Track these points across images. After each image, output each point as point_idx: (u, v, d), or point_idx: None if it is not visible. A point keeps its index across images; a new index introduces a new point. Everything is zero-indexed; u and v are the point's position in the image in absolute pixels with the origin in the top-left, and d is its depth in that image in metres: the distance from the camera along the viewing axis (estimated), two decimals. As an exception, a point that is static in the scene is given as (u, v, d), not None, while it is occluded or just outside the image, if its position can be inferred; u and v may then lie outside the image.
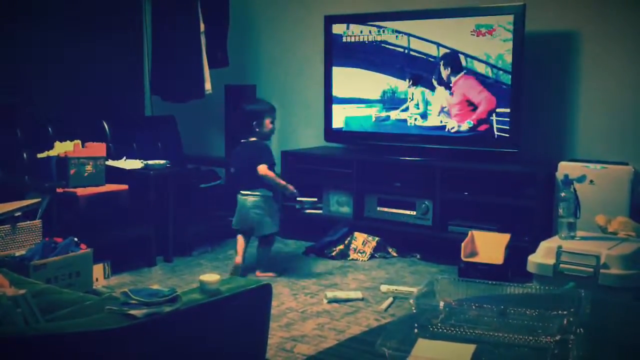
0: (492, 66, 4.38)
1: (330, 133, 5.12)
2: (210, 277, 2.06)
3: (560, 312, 1.90)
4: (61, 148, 4.13)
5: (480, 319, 1.94)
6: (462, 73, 4.50)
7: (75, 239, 3.61)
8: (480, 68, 4.43)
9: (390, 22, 4.75)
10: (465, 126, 4.53)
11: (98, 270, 3.90)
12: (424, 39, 4.63)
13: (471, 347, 1.77)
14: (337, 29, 4.98)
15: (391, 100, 4.82)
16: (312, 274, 4.22)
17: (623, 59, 4.28)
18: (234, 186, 4.30)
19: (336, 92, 5.04)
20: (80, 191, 4.03)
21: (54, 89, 4.74)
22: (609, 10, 4.30)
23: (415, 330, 1.88)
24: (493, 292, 2.13)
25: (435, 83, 4.62)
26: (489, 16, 4.36)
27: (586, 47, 4.39)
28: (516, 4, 4.25)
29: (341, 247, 4.60)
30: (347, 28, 4.94)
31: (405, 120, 4.77)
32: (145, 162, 4.46)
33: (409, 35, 4.69)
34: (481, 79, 4.43)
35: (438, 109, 4.64)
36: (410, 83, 4.72)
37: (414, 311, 1.98)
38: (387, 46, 4.79)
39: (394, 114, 4.82)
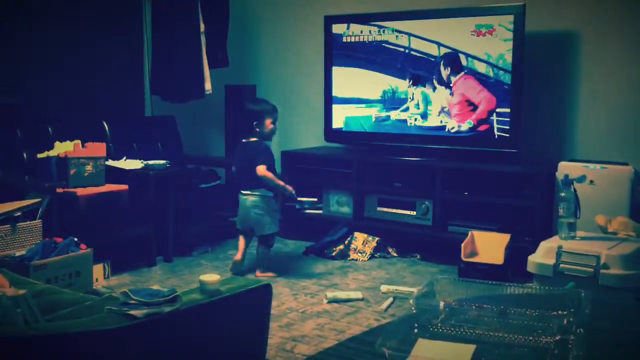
0: (493, 65, 4.38)
1: (330, 133, 5.12)
2: (210, 277, 2.06)
3: (560, 312, 1.91)
4: (61, 148, 4.13)
5: (480, 319, 1.94)
6: (462, 73, 4.50)
7: (75, 239, 3.61)
8: (481, 68, 4.43)
9: (390, 22, 4.75)
10: (465, 126, 4.53)
11: (98, 270, 3.90)
12: (425, 38, 4.63)
13: (471, 347, 1.77)
14: (337, 28, 4.98)
15: (392, 100, 4.82)
16: (312, 274, 4.22)
17: (623, 59, 4.28)
18: (236, 185, 4.31)
19: (336, 92, 5.04)
20: (80, 191, 4.03)
21: (54, 89, 4.74)
22: (609, 10, 4.30)
23: (415, 331, 1.88)
24: (493, 292, 2.14)
25: (435, 83, 4.62)
26: (489, 16, 4.36)
27: (586, 47, 4.39)
28: (516, 4, 4.25)
29: (341, 247, 4.60)
30: (348, 28, 4.94)
31: (405, 121, 4.77)
32: (145, 162, 4.46)
33: (410, 34, 4.69)
34: (482, 78, 4.43)
35: (438, 109, 4.64)
36: (411, 83, 4.72)
37: (414, 311, 1.98)
38: (388, 46, 4.78)
39: (394, 114, 4.82)
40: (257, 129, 4.16)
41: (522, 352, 1.77)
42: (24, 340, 1.67)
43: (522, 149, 4.38)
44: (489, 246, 4.03)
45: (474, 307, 1.99)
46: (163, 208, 4.40)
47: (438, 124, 4.64)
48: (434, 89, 4.62)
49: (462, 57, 4.48)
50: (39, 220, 3.65)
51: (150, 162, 4.46)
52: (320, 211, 5.04)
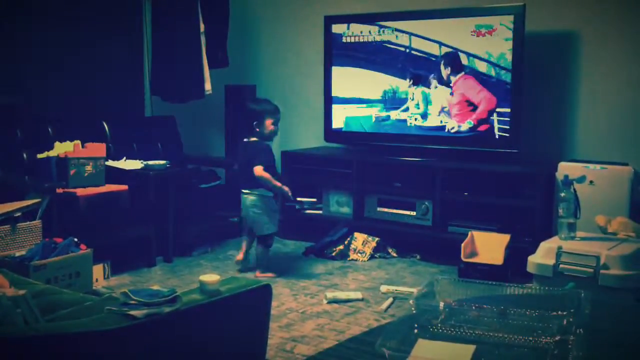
0: (494, 64, 4.37)
1: (330, 133, 5.12)
2: (210, 278, 2.06)
3: (560, 312, 1.91)
4: (61, 148, 4.13)
5: (480, 319, 1.94)
6: (462, 73, 4.50)
7: (75, 239, 3.61)
8: (482, 67, 4.42)
9: (389, 23, 4.75)
10: (465, 126, 4.53)
11: (98, 270, 3.90)
12: (426, 37, 4.63)
13: (471, 348, 1.77)
14: (337, 28, 4.98)
15: (392, 100, 4.82)
16: (312, 275, 4.22)
17: (623, 59, 4.28)
18: (236, 185, 4.32)
19: (337, 92, 5.04)
20: (80, 191, 4.03)
21: (54, 89, 4.74)
22: (609, 10, 4.30)
23: (415, 331, 1.88)
24: (493, 293, 2.13)
25: (436, 82, 4.62)
26: (489, 16, 4.36)
27: (586, 47, 4.39)
28: (516, 4, 4.25)
29: (341, 247, 4.60)
30: (348, 28, 4.94)
31: (405, 120, 4.77)
32: (145, 162, 4.46)
33: (410, 34, 4.68)
34: (482, 78, 4.42)
35: (438, 109, 4.64)
36: (411, 83, 4.72)
37: (414, 312, 1.98)
38: (388, 45, 4.78)
39: (394, 114, 4.82)
40: (257, 129, 4.15)
41: (522, 352, 1.77)
42: (24, 341, 1.67)
43: (522, 149, 4.38)
44: (488, 246, 4.03)
45: (473, 307, 1.99)
46: (163, 208, 4.40)
47: (438, 124, 4.64)
48: (435, 88, 4.62)
49: (463, 57, 4.48)
50: (39, 221, 3.65)
51: (150, 162, 4.46)
52: (320, 211, 5.04)
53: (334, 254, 4.57)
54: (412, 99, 4.73)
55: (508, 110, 4.34)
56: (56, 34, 4.73)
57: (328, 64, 5.05)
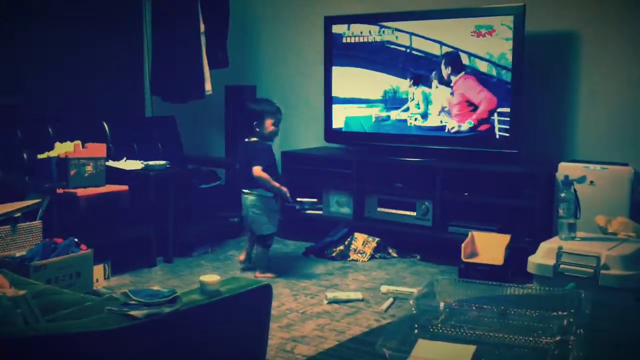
0: (495, 64, 4.37)
1: (331, 133, 5.12)
2: (211, 278, 2.06)
3: (560, 313, 1.90)
4: (61, 149, 4.13)
5: (480, 319, 1.94)
6: (463, 73, 4.50)
7: (76, 240, 3.61)
8: (483, 67, 4.42)
9: (390, 23, 4.75)
10: (465, 126, 4.53)
11: (98, 270, 3.90)
12: (427, 37, 4.63)
13: (471, 348, 1.77)
14: (338, 28, 4.98)
15: (392, 100, 4.82)
16: (312, 275, 4.22)
17: (623, 59, 4.28)
18: (236, 185, 4.32)
19: (337, 92, 5.04)
20: (81, 192, 4.03)
21: (54, 89, 4.74)
22: (609, 10, 4.30)
23: (416, 331, 1.88)
24: (493, 293, 2.13)
25: (436, 82, 4.62)
26: (489, 17, 4.36)
27: (586, 47, 4.39)
28: (516, 4, 4.25)
29: (341, 247, 4.60)
30: (348, 28, 4.94)
31: (405, 121, 4.77)
32: (145, 162, 4.46)
33: (411, 34, 4.68)
34: (483, 77, 4.42)
35: (439, 109, 4.64)
36: (411, 83, 4.72)
37: (414, 312, 1.98)
38: (389, 45, 4.78)
39: (395, 114, 4.81)
40: (257, 129, 4.14)
41: (522, 352, 1.77)
42: (24, 341, 1.67)
43: (522, 149, 4.38)
44: (489, 247, 4.03)
45: (474, 307, 1.98)
46: (163, 208, 4.40)
47: (438, 124, 4.64)
48: (436, 88, 4.62)
49: (464, 56, 4.48)
50: (39, 221, 3.65)
51: (151, 162, 4.46)
52: (320, 212, 5.04)
53: (334, 254, 4.57)
54: (413, 99, 4.73)
55: (508, 110, 4.34)
56: (56, 34, 4.73)
57: (328, 64, 5.05)
